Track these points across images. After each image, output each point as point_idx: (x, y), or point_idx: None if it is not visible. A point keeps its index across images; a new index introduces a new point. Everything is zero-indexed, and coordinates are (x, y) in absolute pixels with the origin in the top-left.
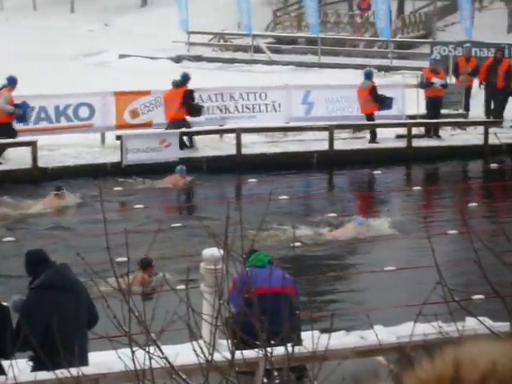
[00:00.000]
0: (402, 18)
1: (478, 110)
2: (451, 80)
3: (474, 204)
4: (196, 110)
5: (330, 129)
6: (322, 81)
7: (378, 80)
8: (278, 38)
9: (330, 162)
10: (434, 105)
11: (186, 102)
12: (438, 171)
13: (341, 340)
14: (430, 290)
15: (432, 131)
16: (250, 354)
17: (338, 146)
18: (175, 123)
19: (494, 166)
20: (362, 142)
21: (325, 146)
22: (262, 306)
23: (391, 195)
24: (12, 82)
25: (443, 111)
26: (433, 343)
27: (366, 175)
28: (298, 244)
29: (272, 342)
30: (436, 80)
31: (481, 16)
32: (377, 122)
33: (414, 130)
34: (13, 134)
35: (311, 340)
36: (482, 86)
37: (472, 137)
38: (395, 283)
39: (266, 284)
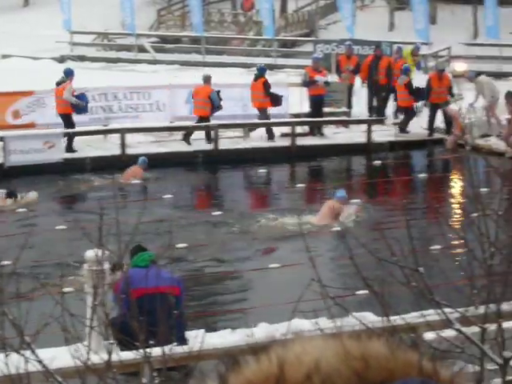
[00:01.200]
0: (285, 17)
1: (360, 107)
2: (334, 78)
3: (357, 200)
4: (277, 99)
5: (214, 128)
6: None
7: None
8: (162, 38)
9: (215, 161)
10: (316, 103)
11: (268, 92)
12: (322, 169)
13: (226, 338)
14: (305, 287)
15: (316, 129)
16: (128, 355)
17: (224, 145)
18: (262, 112)
19: (377, 162)
20: (247, 141)
21: (210, 145)
22: (145, 306)
23: (276, 192)
24: (71, 74)
25: (326, 109)
26: (260, 344)
27: (251, 173)
28: (183, 245)
29: (151, 342)
30: (319, 78)
31: (363, 14)
32: (257, 121)
33: (299, 129)
34: (73, 125)
35: (195, 339)
36: (365, 84)
37: (355, 134)
38: (280, 280)
39: (148, 284)
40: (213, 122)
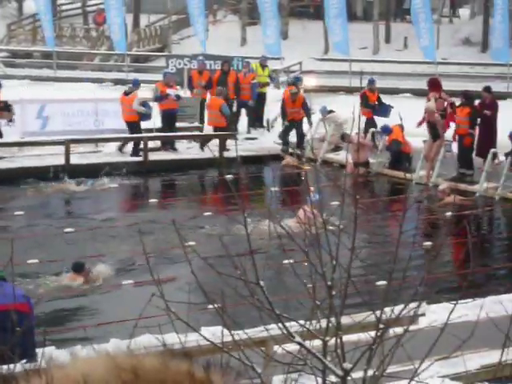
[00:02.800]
0: (138, 32)
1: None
2: (186, 93)
3: (208, 213)
4: (310, 114)
5: (65, 143)
6: (58, 95)
7: (115, 94)
8: (13, 52)
9: (67, 176)
10: (168, 117)
11: (305, 107)
12: (175, 184)
13: (75, 355)
14: (147, 302)
15: (168, 144)
16: None
17: (75, 160)
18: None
19: (228, 177)
20: (99, 156)
21: (61, 161)
22: None
23: (128, 208)
24: (138, 84)
25: (179, 124)
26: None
27: (103, 188)
28: (34, 261)
29: None
30: (170, 91)
31: (216, 29)
32: (109, 136)
33: (151, 144)
34: (140, 131)
35: (42, 356)
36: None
37: (207, 149)
38: (134, 296)
39: None
40: (64, 137)
